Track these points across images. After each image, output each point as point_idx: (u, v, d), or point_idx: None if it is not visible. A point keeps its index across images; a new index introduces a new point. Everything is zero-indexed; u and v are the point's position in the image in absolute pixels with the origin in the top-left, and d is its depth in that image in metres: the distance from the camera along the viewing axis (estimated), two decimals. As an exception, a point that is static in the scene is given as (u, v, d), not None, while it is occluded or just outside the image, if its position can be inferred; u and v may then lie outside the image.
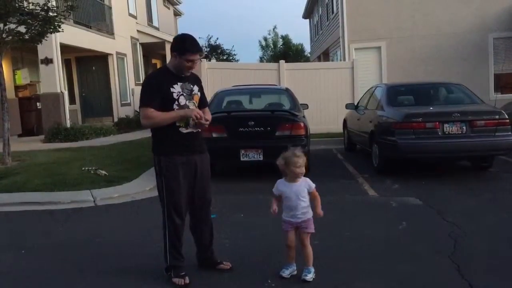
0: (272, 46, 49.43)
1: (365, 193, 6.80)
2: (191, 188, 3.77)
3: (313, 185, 3.76)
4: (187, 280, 3.68)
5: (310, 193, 3.76)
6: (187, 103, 3.71)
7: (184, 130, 3.71)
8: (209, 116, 3.83)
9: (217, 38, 42.24)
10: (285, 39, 48.27)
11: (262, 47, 49.44)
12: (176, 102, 3.66)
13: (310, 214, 3.76)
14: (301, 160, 3.73)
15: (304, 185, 3.75)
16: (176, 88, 3.67)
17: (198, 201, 3.84)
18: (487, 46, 15.94)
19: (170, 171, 3.67)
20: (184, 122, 3.69)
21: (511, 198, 6.26)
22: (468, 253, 4.20)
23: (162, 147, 3.72)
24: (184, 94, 3.71)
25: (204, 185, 3.86)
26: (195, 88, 3.82)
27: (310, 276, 3.69)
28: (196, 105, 3.80)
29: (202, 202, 3.87)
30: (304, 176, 3.79)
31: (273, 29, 50.01)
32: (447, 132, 7.23)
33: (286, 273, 3.79)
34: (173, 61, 3.71)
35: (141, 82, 20.25)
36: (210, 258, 3.99)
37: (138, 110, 15.70)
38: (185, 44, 3.67)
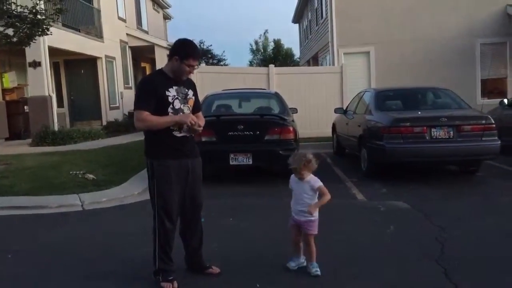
0: (262, 50, 49.48)
1: (354, 197, 6.84)
2: (183, 192, 3.75)
3: (317, 184, 3.83)
4: (175, 285, 3.67)
5: (315, 190, 3.82)
6: (181, 106, 3.71)
7: (178, 134, 3.70)
8: (202, 121, 3.84)
9: (211, 45, 42.39)
10: (277, 43, 48.35)
11: (253, 51, 49.48)
12: (171, 106, 3.66)
13: (314, 217, 3.84)
14: (309, 160, 3.83)
15: (308, 183, 3.85)
16: (172, 92, 3.67)
17: (189, 205, 3.83)
18: (475, 52, 16.11)
19: (162, 175, 3.66)
20: (178, 126, 3.69)
21: (498, 202, 6.33)
22: (455, 256, 4.23)
23: (155, 150, 3.70)
24: (179, 98, 3.71)
25: (195, 190, 3.85)
26: (190, 92, 3.82)
27: (319, 271, 3.83)
28: (191, 109, 3.81)
29: (193, 206, 3.87)
30: None
31: (264, 33, 50.00)
32: (434, 137, 7.30)
33: (292, 265, 3.95)
34: (172, 65, 3.71)
35: (130, 85, 20.37)
36: (199, 262, 3.98)
37: (126, 113, 15.55)
38: (188, 49, 3.69)
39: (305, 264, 3.96)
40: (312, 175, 3.87)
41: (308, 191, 3.84)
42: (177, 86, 3.72)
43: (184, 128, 3.70)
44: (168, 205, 3.68)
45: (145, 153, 3.79)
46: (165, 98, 3.64)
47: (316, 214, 3.85)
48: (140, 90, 3.76)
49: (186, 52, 3.66)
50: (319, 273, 3.81)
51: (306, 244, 3.92)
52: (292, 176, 3.95)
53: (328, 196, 3.82)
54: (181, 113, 3.70)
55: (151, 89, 3.65)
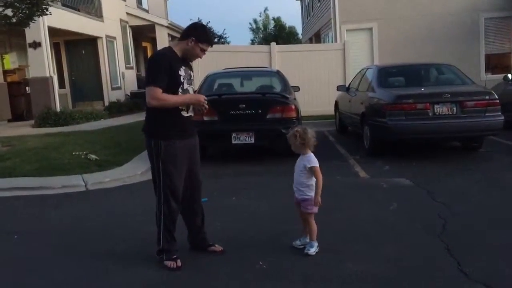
0: (263, 29, 49.01)
1: (356, 174, 6.84)
2: (187, 171, 3.76)
3: (310, 164, 3.81)
4: (179, 263, 3.69)
5: (308, 170, 3.81)
6: (188, 87, 3.72)
7: (185, 114, 3.71)
8: None
9: (209, 22, 41.91)
10: (277, 21, 47.86)
11: (253, 30, 49.02)
12: (182, 86, 3.65)
13: (309, 195, 3.83)
14: (292, 136, 3.87)
15: (303, 160, 3.85)
16: (182, 72, 3.66)
17: (192, 184, 3.85)
18: (479, 27, 15.91)
19: (169, 155, 3.64)
20: (186, 106, 3.69)
21: (500, 178, 6.32)
22: (457, 233, 4.24)
23: (162, 130, 3.65)
24: (186, 78, 3.70)
25: (197, 167, 3.88)
26: (192, 74, 3.83)
27: (312, 250, 3.83)
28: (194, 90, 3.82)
29: (195, 184, 3.89)
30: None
31: (264, 11, 49.41)
32: (437, 113, 7.26)
33: (297, 243, 3.99)
34: (186, 45, 3.68)
35: (131, 65, 20.26)
36: (203, 239, 4.00)
37: (128, 94, 15.47)
38: (205, 34, 3.73)
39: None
40: (312, 154, 3.86)
41: (302, 169, 3.84)
42: (184, 66, 3.71)
43: (191, 109, 3.72)
44: (174, 185, 3.68)
45: (148, 134, 3.73)
46: (178, 77, 3.62)
47: (311, 192, 3.84)
48: (154, 65, 3.64)
49: (205, 36, 3.70)
50: (310, 252, 3.81)
51: (305, 222, 3.94)
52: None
53: (320, 179, 3.81)
54: (188, 94, 3.72)
55: (166, 65, 3.59)
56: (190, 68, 3.83)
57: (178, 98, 3.62)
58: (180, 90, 3.64)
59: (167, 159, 3.63)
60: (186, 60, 3.76)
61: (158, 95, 3.53)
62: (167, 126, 3.65)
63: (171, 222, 3.75)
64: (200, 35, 3.67)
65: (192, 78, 3.80)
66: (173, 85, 3.59)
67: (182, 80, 3.64)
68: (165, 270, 3.65)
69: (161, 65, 3.59)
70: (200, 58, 3.82)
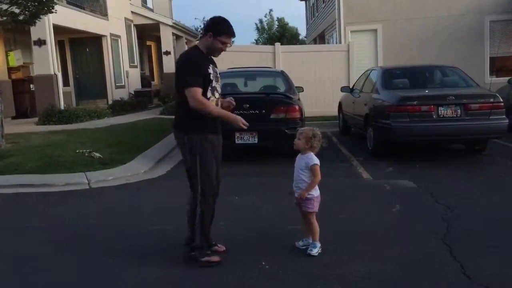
0: (267, 29, 49.07)
1: (360, 176, 6.83)
2: (217, 167, 3.79)
3: (312, 162, 3.79)
4: (217, 258, 3.74)
5: (309, 169, 3.79)
6: (216, 85, 3.74)
7: None
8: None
9: None
10: (281, 21, 47.89)
11: (258, 30, 49.07)
12: (211, 84, 3.66)
13: (309, 194, 3.81)
14: (298, 136, 3.87)
15: (305, 159, 3.83)
16: (211, 70, 3.68)
17: (217, 180, 3.86)
18: (484, 29, 15.85)
19: (206, 150, 3.66)
20: (216, 102, 3.72)
21: (504, 181, 6.30)
22: (461, 235, 4.24)
23: (196, 124, 3.64)
24: (214, 76, 3.71)
25: (220, 167, 3.90)
26: (218, 71, 3.84)
27: (315, 251, 3.82)
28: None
29: (218, 181, 3.89)
30: None
31: (269, 12, 49.55)
32: (441, 115, 7.24)
33: (299, 244, 3.98)
34: (206, 41, 3.69)
35: (135, 64, 20.28)
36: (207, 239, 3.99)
37: (132, 92, 15.46)
38: (222, 26, 3.68)
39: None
40: (312, 154, 3.84)
41: (303, 168, 3.82)
42: (211, 64, 3.73)
43: (219, 106, 3.78)
44: (211, 180, 3.70)
45: (181, 129, 3.71)
46: (208, 76, 3.64)
47: (314, 192, 3.83)
48: (188, 67, 3.63)
49: (220, 28, 3.66)
50: (313, 253, 3.80)
51: (306, 222, 3.92)
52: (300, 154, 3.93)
53: (318, 178, 3.80)
54: (216, 92, 3.72)
55: (198, 65, 3.61)
56: (215, 65, 3.84)
57: (218, 110, 3.66)
58: (209, 87, 3.65)
59: (204, 154, 3.65)
60: (213, 57, 3.77)
61: (201, 98, 3.56)
62: (202, 122, 3.64)
63: (208, 219, 3.75)
64: (217, 28, 3.65)
65: (218, 75, 3.81)
66: (204, 84, 3.61)
67: (212, 78, 3.66)
68: (169, 269, 3.66)
69: (194, 65, 3.61)
70: (224, 51, 3.77)
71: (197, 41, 3.83)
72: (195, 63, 3.62)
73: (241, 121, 3.69)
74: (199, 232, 3.72)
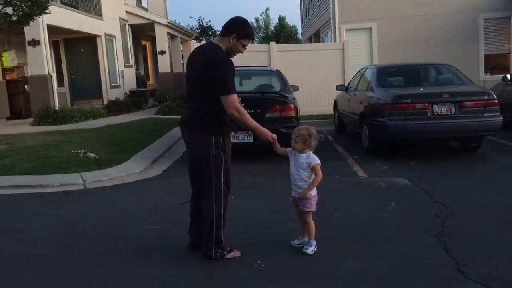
0: (264, 28, 49.08)
1: (355, 174, 6.85)
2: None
3: (314, 162, 3.78)
4: (239, 253, 3.78)
5: (311, 169, 3.78)
6: None
7: None
8: None
9: (209, 20, 41.91)
10: (282, 20, 47.86)
11: (254, 29, 49.15)
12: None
13: (309, 193, 3.81)
14: (295, 139, 3.80)
15: (305, 159, 3.80)
16: None
17: None
18: (478, 27, 15.92)
19: (228, 151, 3.70)
20: None
21: (499, 178, 6.33)
22: (456, 232, 4.25)
23: (220, 126, 3.67)
24: None
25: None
26: None
27: (310, 250, 3.82)
28: None
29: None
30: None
31: (265, 11, 49.54)
32: (436, 113, 7.26)
33: (295, 242, 3.97)
34: (228, 43, 3.66)
35: (130, 64, 20.23)
36: (201, 237, 3.96)
37: (127, 92, 15.44)
38: (247, 29, 3.69)
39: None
40: (311, 153, 3.84)
41: (305, 168, 3.79)
42: None
43: None
44: (230, 179, 3.75)
45: (201, 130, 3.65)
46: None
47: (312, 191, 3.82)
48: (231, 71, 3.59)
49: (247, 32, 3.67)
50: (308, 251, 3.80)
51: (303, 221, 3.91)
52: (290, 149, 3.89)
53: (320, 177, 3.79)
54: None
55: (233, 69, 3.61)
56: None
57: (253, 121, 3.64)
58: None
59: (227, 155, 3.68)
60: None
61: (240, 107, 3.58)
62: (222, 124, 3.67)
63: (224, 218, 3.76)
64: (241, 31, 3.64)
65: None
66: None
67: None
68: (164, 269, 3.65)
69: (232, 71, 3.60)
70: (241, 53, 3.77)
71: (215, 41, 3.76)
72: (234, 69, 3.61)
73: (270, 136, 3.71)
74: (220, 233, 3.71)
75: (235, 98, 3.57)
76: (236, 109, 3.56)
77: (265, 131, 3.72)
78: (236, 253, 3.80)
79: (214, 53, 3.64)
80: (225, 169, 3.69)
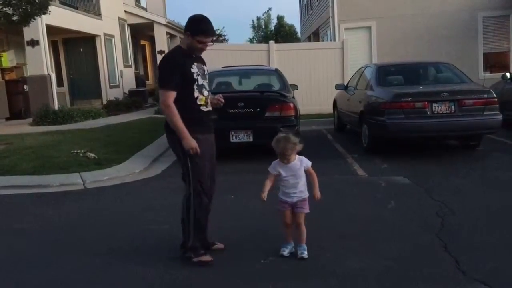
0: (264, 27, 49.12)
1: (355, 173, 6.84)
2: (210, 166, 3.76)
3: (309, 163, 3.76)
4: (209, 257, 3.71)
5: (306, 171, 3.77)
6: (203, 83, 3.70)
7: (204, 109, 3.71)
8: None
9: None
10: (280, 19, 47.90)
11: (254, 28, 49.12)
12: (196, 82, 3.63)
13: (306, 194, 3.80)
14: (287, 153, 3.71)
15: (299, 164, 3.75)
16: (195, 68, 3.64)
17: (211, 182, 3.84)
18: (477, 25, 15.91)
19: (203, 149, 3.62)
20: (204, 101, 3.69)
21: (498, 177, 6.33)
22: (455, 231, 4.25)
23: (186, 126, 3.57)
24: (200, 74, 3.68)
25: (215, 164, 3.88)
26: (206, 68, 3.81)
27: (306, 253, 3.78)
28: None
29: (213, 181, 3.88)
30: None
31: (267, 11, 49.70)
32: (436, 112, 7.26)
33: (286, 251, 3.84)
34: (186, 40, 3.66)
35: (130, 64, 20.24)
36: (205, 239, 3.94)
37: (127, 92, 15.47)
38: (199, 25, 3.62)
39: (294, 250, 3.86)
40: (297, 156, 3.78)
41: (301, 172, 3.74)
42: (197, 62, 3.69)
43: (209, 103, 3.75)
44: (204, 180, 3.67)
45: (170, 130, 3.64)
46: (191, 75, 3.60)
47: (307, 192, 3.80)
48: (165, 68, 3.62)
49: (197, 28, 3.60)
50: (305, 255, 3.74)
51: (298, 225, 3.81)
52: (275, 162, 3.82)
53: (315, 175, 3.80)
54: (204, 90, 3.69)
55: (176, 66, 3.57)
56: (203, 63, 3.81)
57: (180, 125, 3.51)
58: (195, 86, 3.63)
59: (193, 154, 3.60)
60: (196, 56, 3.72)
61: (169, 102, 3.52)
62: (189, 121, 3.58)
63: (203, 219, 3.72)
64: (193, 28, 3.60)
65: (206, 73, 3.78)
66: (187, 84, 3.59)
67: (196, 77, 3.62)
68: (164, 269, 3.65)
69: (170, 67, 3.58)
70: (204, 50, 3.71)
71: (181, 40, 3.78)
72: (173, 64, 3.59)
73: (193, 148, 3.54)
74: (193, 232, 3.69)
75: (168, 94, 3.52)
76: (165, 106, 3.54)
77: (189, 139, 3.54)
78: (207, 257, 3.72)
79: (168, 52, 3.75)
80: (198, 168, 3.63)
